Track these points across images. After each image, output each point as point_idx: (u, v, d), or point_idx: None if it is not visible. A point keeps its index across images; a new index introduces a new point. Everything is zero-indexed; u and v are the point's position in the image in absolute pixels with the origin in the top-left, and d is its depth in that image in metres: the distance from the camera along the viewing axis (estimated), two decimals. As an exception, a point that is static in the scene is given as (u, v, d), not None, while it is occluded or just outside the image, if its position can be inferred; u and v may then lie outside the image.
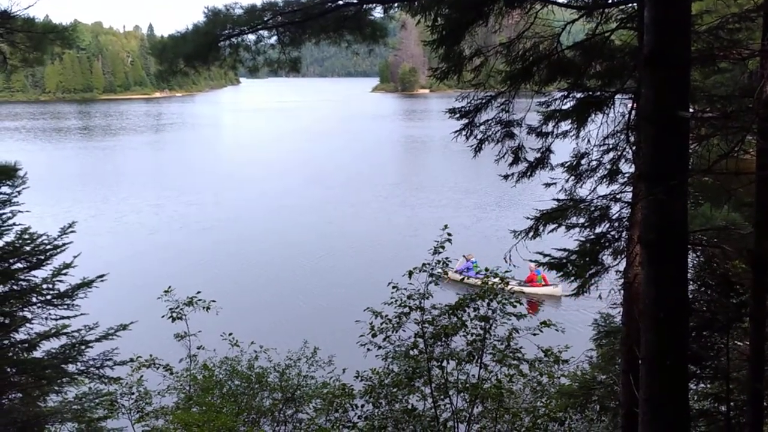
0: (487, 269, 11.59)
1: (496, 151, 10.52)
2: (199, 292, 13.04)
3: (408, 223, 45.99)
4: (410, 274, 11.48)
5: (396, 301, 11.21)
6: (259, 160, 79.14)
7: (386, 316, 11.21)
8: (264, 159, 79.81)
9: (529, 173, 10.67)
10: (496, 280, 11.36)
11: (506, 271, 11.04)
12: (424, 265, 11.35)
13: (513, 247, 10.40)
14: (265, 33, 8.38)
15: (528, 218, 10.59)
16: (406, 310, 11.06)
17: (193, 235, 43.97)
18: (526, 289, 28.83)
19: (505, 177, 10.81)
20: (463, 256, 33.87)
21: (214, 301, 12.88)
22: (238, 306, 28.90)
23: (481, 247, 37.24)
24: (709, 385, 10.81)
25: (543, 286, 29.94)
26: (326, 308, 30.59)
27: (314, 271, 36.17)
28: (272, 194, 57.03)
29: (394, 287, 11.31)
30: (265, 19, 8.16)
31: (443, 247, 11.24)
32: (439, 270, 11.38)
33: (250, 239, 42.59)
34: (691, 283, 9.86)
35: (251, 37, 8.35)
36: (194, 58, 8.16)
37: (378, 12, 8.55)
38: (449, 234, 11.29)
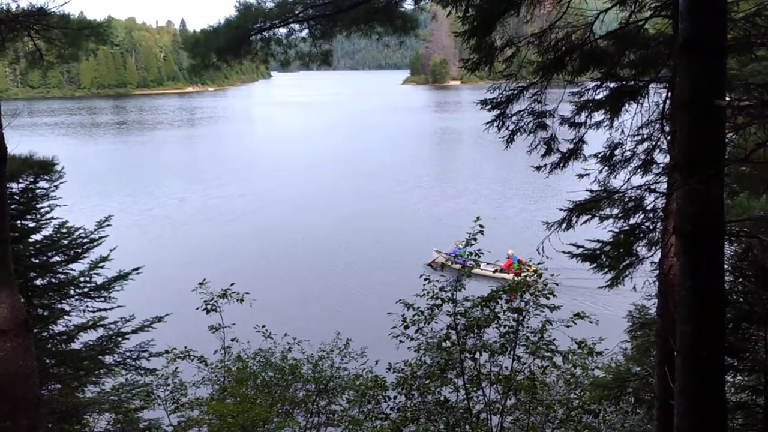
0: (520, 261, 11.53)
1: (529, 142, 10.40)
2: (233, 284, 13.11)
3: (440, 214, 45.92)
4: (443, 266, 11.57)
5: (428, 292, 11.17)
6: (292, 153, 79.57)
7: (418, 307, 11.19)
8: (296, 152, 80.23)
9: (561, 164, 10.51)
10: (530, 272, 11.28)
11: (539, 263, 10.91)
12: (456, 257, 11.34)
13: (546, 238, 10.29)
14: (297, 26, 8.40)
15: (561, 209, 10.45)
16: (438, 301, 11.03)
17: (227, 227, 44.41)
18: (502, 275, 28.05)
19: (538, 168, 10.68)
20: (455, 243, 34.00)
21: (247, 293, 12.95)
22: (272, 298, 29.17)
23: (513, 238, 37.03)
24: (746, 378, 10.64)
25: (518, 272, 29.16)
26: (358, 300, 30.73)
27: (346, 263, 36.33)
28: (305, 186, 57.36)
29: (426, 279, 11.29)
30: (296, 12, 8.18)
31: (475, 239, 11.17)
32: (472, 261, 11.32)
33: (283, 231, 42.87)
34: (727, 274, 9.71)
35: (282, 30, 8.38)
36: (226, 52, 8.21)
37: (408, 3, 8.55)
38: (481, 226, 11.23)
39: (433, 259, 34.72)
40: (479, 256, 11.23)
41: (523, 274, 11.37)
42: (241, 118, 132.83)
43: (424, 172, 63.61)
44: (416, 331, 11.17)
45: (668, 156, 9.61)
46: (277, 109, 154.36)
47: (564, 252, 10.92)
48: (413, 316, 11.16)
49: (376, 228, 43.14)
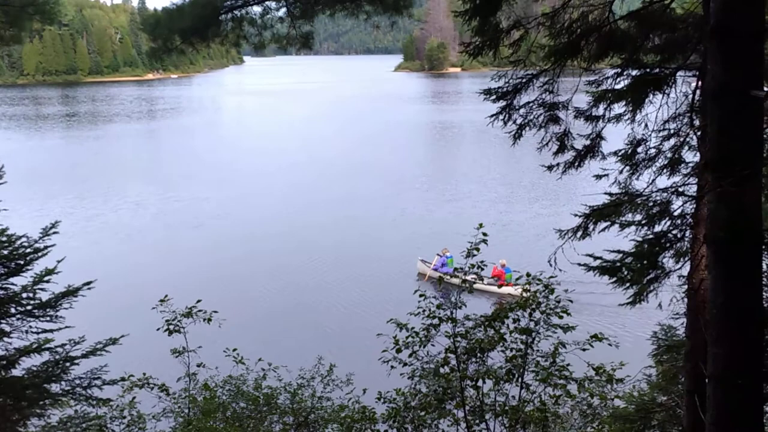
0: (528, 274, 11.51)
1: (539, 138, 10.45)
2: (199, 301, 13.06)
3: (438, 220, 45.94)
4: (440, 280, 11.51)
5: (423, 311, 11.07)
6: (267, 150, 79.63)
7: (412, 328, 11.12)
8: (272, 149, 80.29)
9: (576, 163, 10.60)
10: (540, 287, 11.26)
11: (551, 277, 10.94)
12: (455, 270, 11.32)
13: (559, 248, 10.32)
14: (273, 4, 8.41)
15: (576, 215, 10.49)
16: (436, 321, 10.96)
17: (192, 236, 44.25)
18: (498, 290, 28.51)
19: (549, 168, 10.73)
20: (437, 254, 35.81)
21: (216, 311, 12.90)
22: (244, 318, 29.18)
23: (521, 248, 37.28)
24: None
25: (510, 285, 29.64)
26: (343, 320, 30.71)
27: (329, 277, 36.27)
28: (281, 189, 57.29)
29: (421, 296, 11.17)
30: (273, -12, 8.19)
31: (478, 249, 11.06)
32: (474, 275, 11.30)
33: (255, 240, 42.79)
34: (766, 288, 9.77)
35: (257, 9, 8.39)
36: (192, 34, 8.20)
37: (402, -22, 8.56)
38: (485, 234, 11.10)
39: (425, 274, 35.10)
40: (482, 269, 11.23)
41: (532, 289, 11.35)
42: (209, 110, 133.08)
43: (420, 173, 63.65)
44: (410, 356, 11.10)
45: (698, 154, 9.66)
46: (251, 99, 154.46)
47: (580, 264, 10.95)
48: (406, 337, 11.09)
49: (364, 237, 43.15)
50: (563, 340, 11.00)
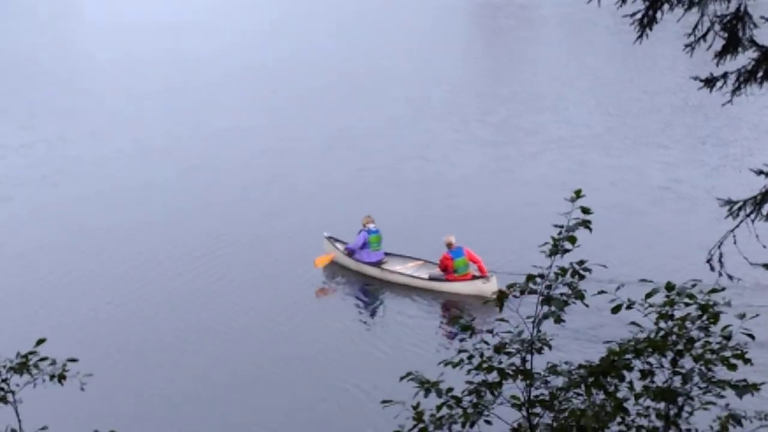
0: (669, 286, 10.61)
1: (687, 25, 10.27)
2: (42, 342, 12.19)
3: (471, 186, 45.09)
4: (501, 299, 10.50)
5: (470, 357, 10.53)
6: (143, 63, 79.61)
7: (449, 391, 10.52)
8: (154, 58, 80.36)
9: (761, 74, 10.26)
10: (692, 309, 10.36)
11: (713, 290, 10.13)
12: (530, 278, 10.47)
13: (729, 234, 10.10)
14: None
15: (760, 173, 10.25)
16: (494, 376, 10.43)
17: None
18: (444, 286, 30.83)
19: (707, 82, 10.52)
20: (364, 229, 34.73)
21: (73, 359, 12.05)
22: (119, 370, 27.99)
23: (650, 235, 36.44)
24: None
25: (465, 278, 31.19)
26: (307, 371, 29.57)
27: (263, 294, 35.08)
28: (164, 133, 56.21)
29: (464, 327, 10.74)
30: None
31: (573, 239, 10.43)
32: (566, 290, 10.48)
33: (122, 229, 41.52)
34: None
35: None
36: None
37: None
38: (585, 210, 10.48)
39: (327, 257, 34.47)
40: (583, 277, 10.33)
41: (677, 314, 10.43)
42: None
43: (458, 94, 63.00)
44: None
45: None
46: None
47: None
48: (439, 408, 10.55)
49: (317, 212, 41.93)
50: (738, 411, 10.32)
